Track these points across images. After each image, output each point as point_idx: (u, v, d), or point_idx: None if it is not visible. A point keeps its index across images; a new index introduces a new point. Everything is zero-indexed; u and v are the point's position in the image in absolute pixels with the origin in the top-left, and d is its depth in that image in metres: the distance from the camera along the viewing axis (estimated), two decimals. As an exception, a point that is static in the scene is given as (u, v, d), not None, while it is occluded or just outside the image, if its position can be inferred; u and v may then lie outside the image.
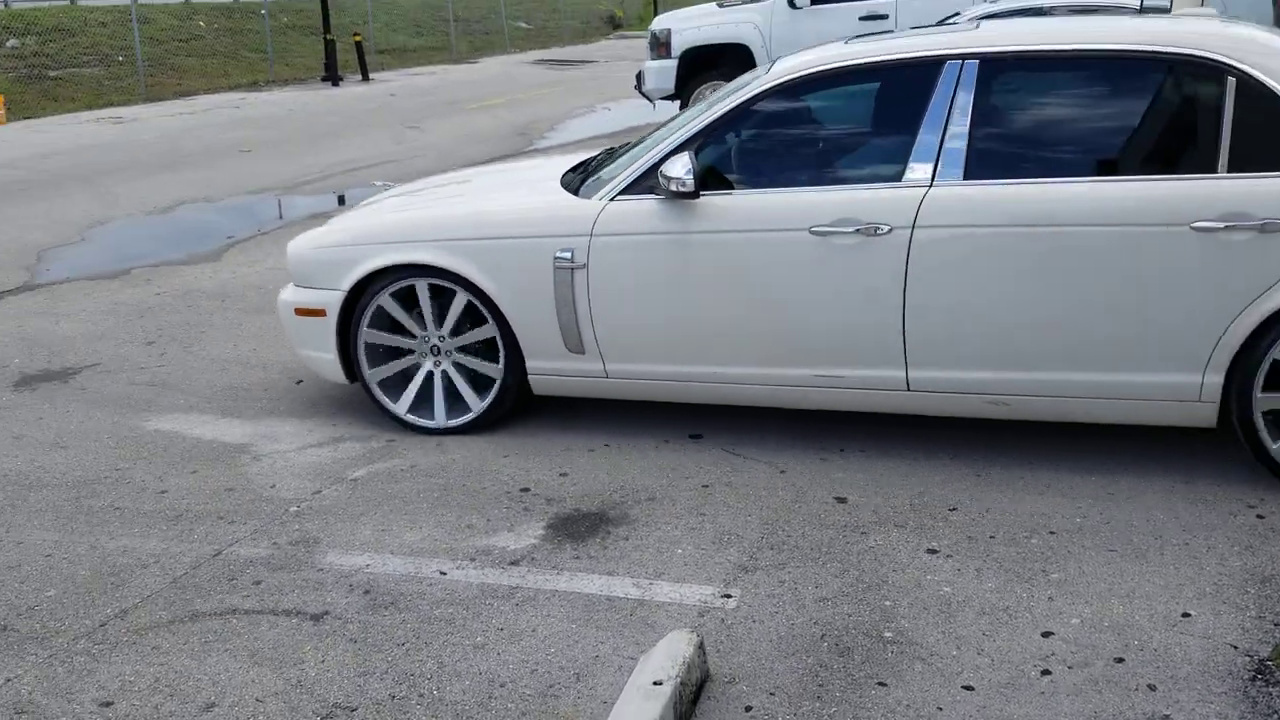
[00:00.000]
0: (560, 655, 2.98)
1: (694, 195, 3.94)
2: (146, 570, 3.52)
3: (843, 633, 3.02)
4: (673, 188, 3.92)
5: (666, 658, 2.71)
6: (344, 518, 3.83)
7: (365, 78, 22.01)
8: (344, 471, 4.20)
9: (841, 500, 3.79)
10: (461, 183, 5.08)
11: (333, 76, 21.37)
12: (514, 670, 2.92)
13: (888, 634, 3.01)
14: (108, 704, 2.85)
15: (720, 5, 13.58)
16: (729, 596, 3.22)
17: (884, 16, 12.57)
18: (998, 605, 3.12)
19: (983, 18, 9.39)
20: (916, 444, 4.17)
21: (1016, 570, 3.29)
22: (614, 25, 37.00)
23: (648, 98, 12.82)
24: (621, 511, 3.78)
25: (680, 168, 3.90)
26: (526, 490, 3.98)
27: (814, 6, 12.75)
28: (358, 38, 22.09)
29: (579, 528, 3.68)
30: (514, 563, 3.47)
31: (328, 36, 21.57)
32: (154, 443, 4.56)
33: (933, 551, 3.42)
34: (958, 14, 9.75)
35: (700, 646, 2.80)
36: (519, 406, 4.54)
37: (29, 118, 16.91)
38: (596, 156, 4.83)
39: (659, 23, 13.57)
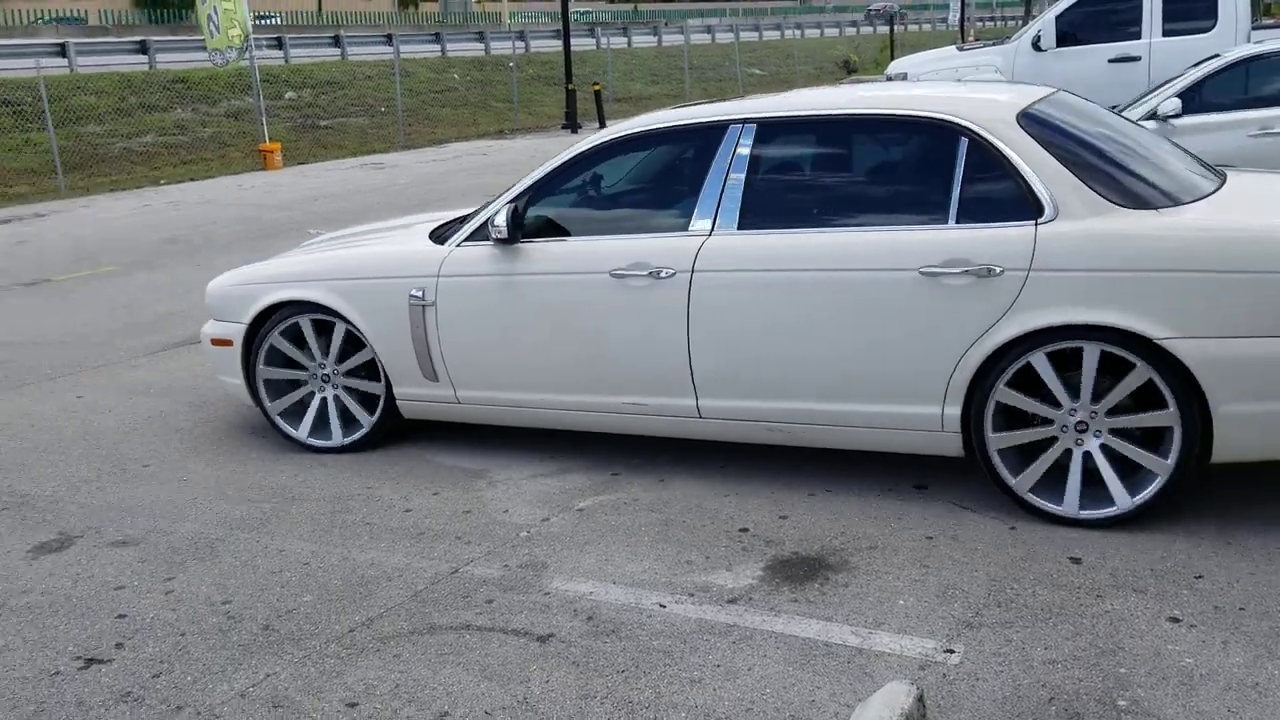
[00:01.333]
0: (775, 697, 2.99)
1: (510, 241, 4.49)
2: (391, 583, 3.78)
3: (1072, 698, 2.90)
4: (495, 235, 4.49)
5: (884, 707, 2.68)
6: (570, 545, 3.98)
7: (602, 124, 22.82)
8: (571, 501, 4.38)
9: (1076, 561, 3.64)
10: (385, 229, 5.58)
11: (572, 124, 22.30)
12: (729, 708, 2.96)
13: (1121, 702, 2.86)
14: (353, 704, 3.08)
15: (960, 49, 13.31)
16: (951, 652, 3.15)
17: (1136, 58, 12.00)
18: (1246, 681, 2.91)
19: (1245, 59, 8.84)
20: (1162, 507, 3.95)
21: (1269, 646, 3.07)
22: (848, 70, 36.88)
23: None
24: (841, 558, 3.76)
25: (502, 217, 4.45)
26: (745, 530, 4.02)
27: (1059, 49, 12.32)
28: (597, 87, 22.97)
29: (797, 571, 3.69)
30: (731, 601, 3.52)
31: (569, 86, 22.55)
32: (401, 465, 4.89)
33: (1175, 620, 3.24)
34: (1216, 55, 9.21)
35: (920, 699, 2.75)
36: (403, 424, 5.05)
37: (302, 163, 18.48)
38: (477, 209, 5.15)
39: (895, 67, 13.43)
